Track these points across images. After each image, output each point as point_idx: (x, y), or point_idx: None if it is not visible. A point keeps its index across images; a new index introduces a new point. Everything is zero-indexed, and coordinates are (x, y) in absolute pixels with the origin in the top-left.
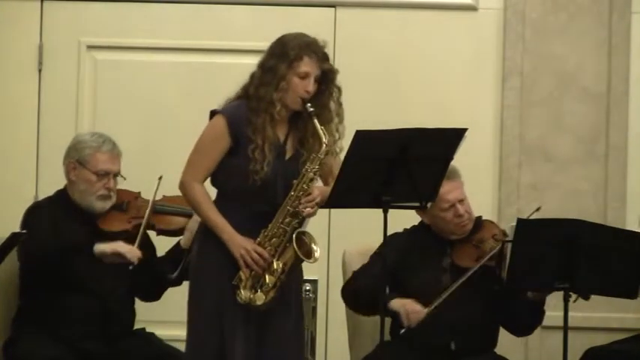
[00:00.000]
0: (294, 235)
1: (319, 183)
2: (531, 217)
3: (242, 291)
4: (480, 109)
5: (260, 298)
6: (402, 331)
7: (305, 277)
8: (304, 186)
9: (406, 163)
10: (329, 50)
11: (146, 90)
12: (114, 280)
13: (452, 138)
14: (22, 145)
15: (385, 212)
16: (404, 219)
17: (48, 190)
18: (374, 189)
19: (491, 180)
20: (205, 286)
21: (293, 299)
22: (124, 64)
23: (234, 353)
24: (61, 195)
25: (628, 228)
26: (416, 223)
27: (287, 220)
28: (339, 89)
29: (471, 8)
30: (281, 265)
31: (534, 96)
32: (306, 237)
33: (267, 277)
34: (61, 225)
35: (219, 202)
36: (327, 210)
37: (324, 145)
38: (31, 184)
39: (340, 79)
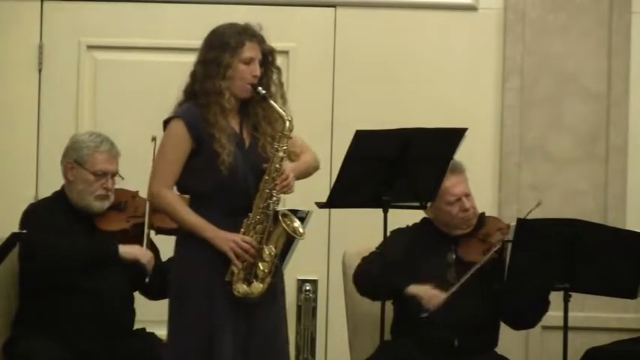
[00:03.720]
0: (279, 216)
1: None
2: (531, 216)
3: (237, 285)
4: (479, 109)
5: (257, 288)
6: (423, 315)
7: (305, 277)
8: (276, 166)
9: (406, 162)
10: (327, 49)
11: (146, 90)
12: (113, 280)
13: (452, 138)
14: (22, 145)
15: (385, 212)
16: (404, 219)
17: (48, 190)
18: (374, 189)
19: (491, 180)
20: (192, 287)
21: (278, 287)
22: (124, 64)
23: (222, 346)
24: (59, 195)
25: (628, 228)
26: (417, 221)
27: (266, 203)
28: (279, 70)
29: (471, 8)
30: (273, 249)
31: (534, 96)
32: (288, 217)
33: (260, 264)
34: (60, 226)
35: (194, 207)
36: (327, 210)
37: (288, 122)
38: (31, 184)
39: (340, 79)
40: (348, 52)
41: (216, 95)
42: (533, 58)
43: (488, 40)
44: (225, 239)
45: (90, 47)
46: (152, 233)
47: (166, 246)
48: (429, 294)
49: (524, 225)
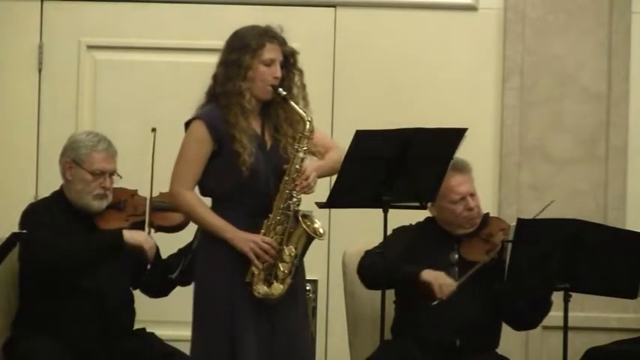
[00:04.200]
0: (299, 216)
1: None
2: (542, 214)
3: (257, 286)
4: (480, 109)
5: (278, 289)
6: (434, 302)
7: (305, 277)
8: (297, 167)
9: (406, 162)
10: (327, 49)
11: (146, 90)
12: (113, 280)
13: (452, 138)
14: (22, 145)
15: (385, 212)
16: (404, 219)
17: (48, 190)
18: (374, 189)
19: (492, 180)
20: (214, 288)
21: (299, 289)
22: (124, 64)
23: (245, 347)
24: (58, 195)
25: (628, 228)
26: (420, 219)
27: (287, 204)
28: (301, 72)
29: (471, 8)
30: (293, 250)
31: (534, 96)
32: (308, 218)
33: (280, 265)
34: (59, 225)
35: (215, 209)
36: (327, 210)
37: (309, 123)
38: (31, 184)
39: (340, 79)
40: (348, 52)
41: (237, 96)
42: (533, 58)
43: (489, 40)
44: (245, 240)
45: (90, 47)
46: (152, 231)
47: (167, 245)
48: (441, 282)
49: (524, 225)
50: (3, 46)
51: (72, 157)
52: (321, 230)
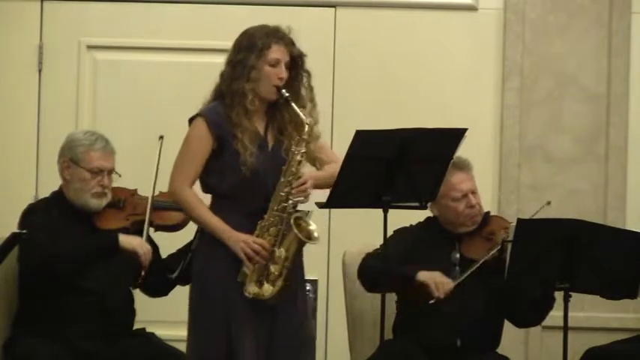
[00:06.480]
0: (291, 220)
1: (307, 168)
2: (537, 215)
3: (248, 286)
4: (480, 109)
5: (268, 290)
6: (431, 301)
7: (305, 277)
8: (293, 169)
9: (406, 163)
10: (327, 49)
11: (146, 90)
12: (113, 280)
13: (452, 138)
14: (22, 145)
15: (385, 212)
16: (404, 219)
17: (48, 190)
18: (374, 189)
19: (491, 180)
20: (213, 288)
21: (298, 294)
22: (124, 64)
23: (244, 346)
24: (57, 196)
25: (628, 228)
26: (421, 220)
27: (281, 206)
28: (309, 73)
29: (471, 8)
30: (284, 252)
31: (534, 96)
32: (303, 220)
33: (271, 266)
34: (59, 226)
35: (215, 207)
36: (327, 210)
37: (307, 126)
38: (31, 184)
39: (340, 79)
40: (348, 52)
41: (240, 97)
42: (533, 58)
43: (488, 40)
44: (236, 240)
45: (90, 47)
46: (151, 230)
47: (167, 244)
48: (437, 281)
49: (524, 225)
50: (3, 46)
51: (69, 156)
52: (315, 234)
